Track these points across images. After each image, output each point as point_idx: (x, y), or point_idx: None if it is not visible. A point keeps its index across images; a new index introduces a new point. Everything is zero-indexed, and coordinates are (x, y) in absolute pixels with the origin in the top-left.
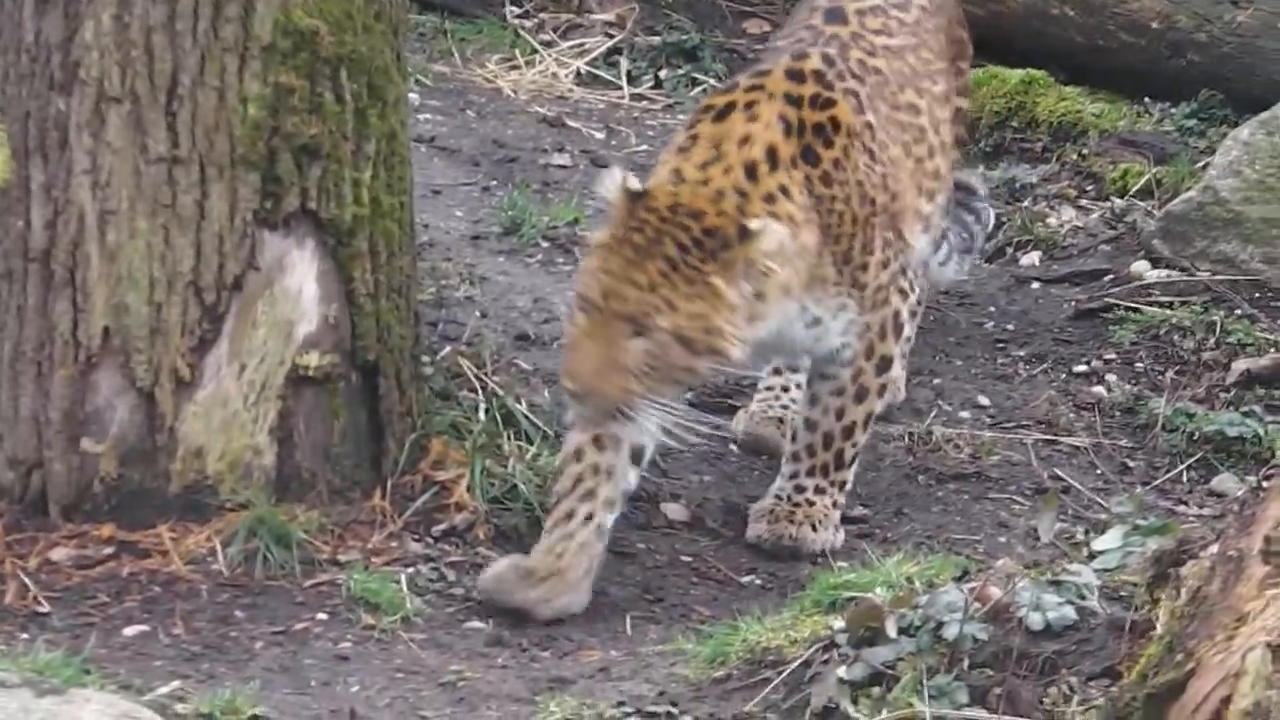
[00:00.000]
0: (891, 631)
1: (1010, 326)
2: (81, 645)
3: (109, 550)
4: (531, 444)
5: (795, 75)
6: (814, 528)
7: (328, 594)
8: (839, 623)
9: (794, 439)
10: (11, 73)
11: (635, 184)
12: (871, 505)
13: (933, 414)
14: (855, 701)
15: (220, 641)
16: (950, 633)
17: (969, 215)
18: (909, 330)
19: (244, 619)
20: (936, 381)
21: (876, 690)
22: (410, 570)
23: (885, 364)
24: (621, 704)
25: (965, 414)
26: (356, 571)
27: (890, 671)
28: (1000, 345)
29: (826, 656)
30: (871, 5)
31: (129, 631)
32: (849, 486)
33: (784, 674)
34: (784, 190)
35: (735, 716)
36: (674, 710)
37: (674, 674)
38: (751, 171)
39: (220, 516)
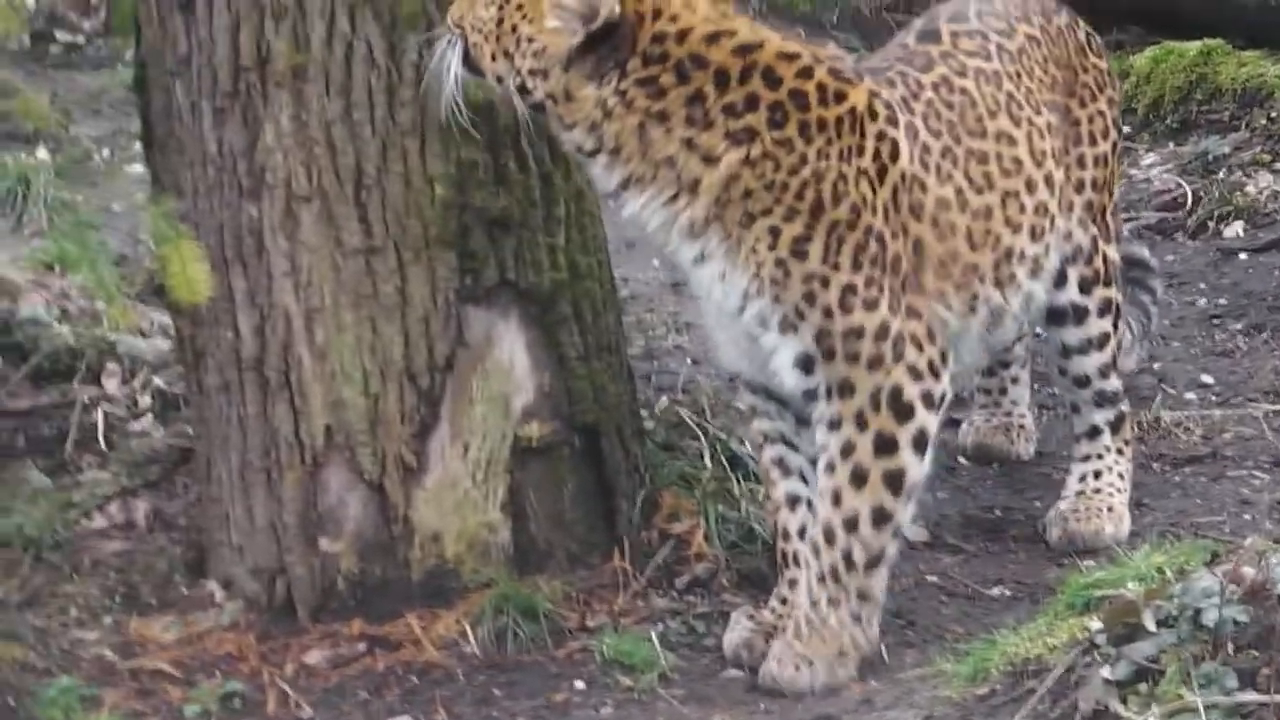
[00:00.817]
0: (1150, 625)
1: (1223, 301)
2: None
3: (361, 647)
4: (761, 484)
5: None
6: (823, 659)
7: (582, 661)
8: (1096, 623)
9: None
10: (200, 186)
11: None
12: None
13: (1158, 399)
14: (1124, 701)
15: None
16: (1210, 619)
17: (1145, 295)
18: (931, 424)
19: (502, 697)
20: (1157, 366)
21: (1143, 687)
22: (660, 627)
23: (887, 445)
24: None
25: (1191, 395)
26: (607, 635)
27: (1154, 666)
28: (1216, 321)
29: (1088, 659)
30: (970, 29)
31: None
32: (879, 596)
33: (1047, 682)
34: (720, 74)
35: None
36: None
37: (937, 696)
38: (713, 38)
39: (465, 598)
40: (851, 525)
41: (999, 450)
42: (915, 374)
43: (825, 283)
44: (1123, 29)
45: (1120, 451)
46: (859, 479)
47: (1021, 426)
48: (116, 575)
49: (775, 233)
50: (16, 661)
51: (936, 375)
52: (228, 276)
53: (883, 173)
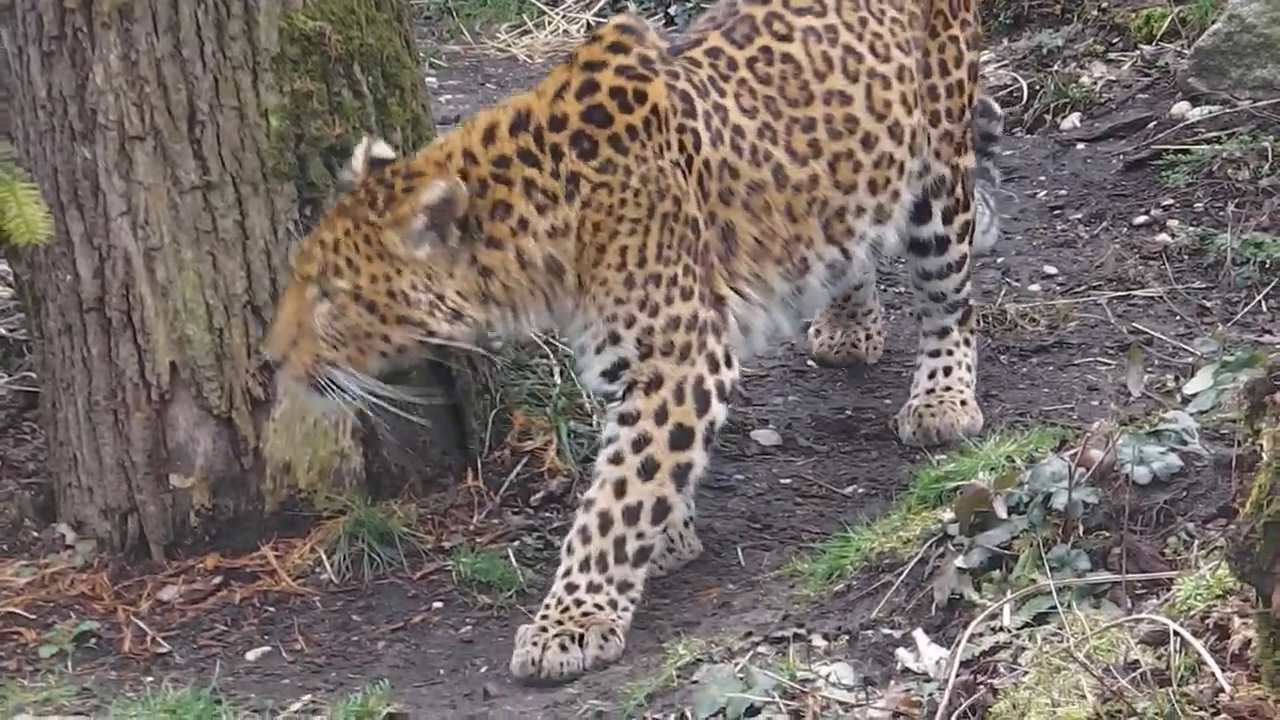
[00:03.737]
0: (1001, 512)
1: (1063, 192)
2: (208, 677)
3: (217, 580)
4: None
5: (617, 47)
6: (563, 648)
7: (440, 582)
8: (948, 514)
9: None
10: (31, 130)
11: (383, 151)
12: None
13: (1003, 292)
14: (978, 588)
15: (343, 649)
16: (1060, 502)
17: (988, 161)
18: (721, 416)
19: (362, 622)
20: (1000, 260)
21: (997, 573)
22: (516, 544)
23: (684, 437)
24: (748, 634)
25: (1035, 286)
26: (464, 555)
27: (1007, 552)
28: (1057, 212)
29: (942, 550)
30: None
31: (251, 655)
32: (636, 593)
33: (903, 575)
34: (525, 155)
35: (862, 625)
36: (800, 631)
37: (794, 595)
38: (490, 135)
39: (320, 527)
40: (632, 516)
41: (846, 361)
42: (713, 364)
43: (658, 280)
44: None
45: (967, 343)
46: (649, 470)
47: (868, 335)
48: None
49: (624, 251)
50: None
51: (730, 364)
52: (64, 220)
53: (689, 163)
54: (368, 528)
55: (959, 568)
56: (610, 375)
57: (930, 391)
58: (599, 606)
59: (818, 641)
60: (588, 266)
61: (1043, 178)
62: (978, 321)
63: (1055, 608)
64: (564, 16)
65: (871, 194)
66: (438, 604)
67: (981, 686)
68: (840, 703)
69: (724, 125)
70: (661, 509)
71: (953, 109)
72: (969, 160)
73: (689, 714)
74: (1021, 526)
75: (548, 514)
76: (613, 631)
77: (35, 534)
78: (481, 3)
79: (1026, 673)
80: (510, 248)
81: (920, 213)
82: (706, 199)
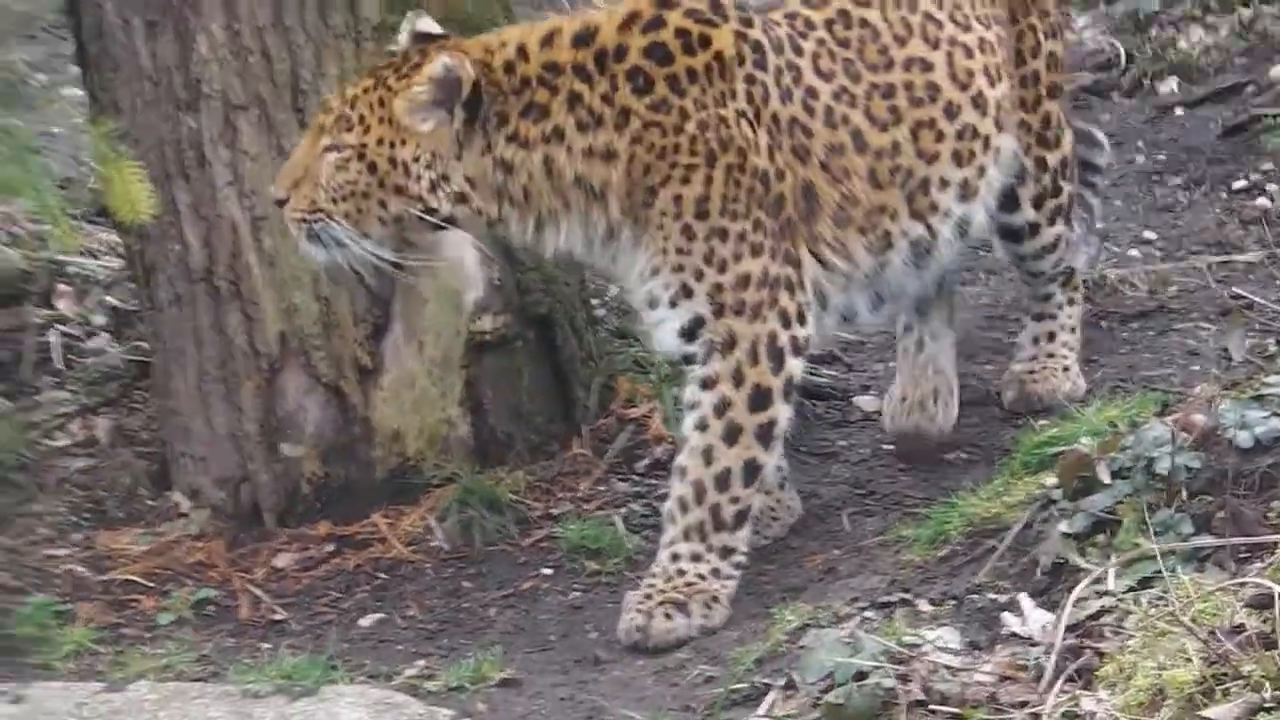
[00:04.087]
0: (1105, 477)
1: (1161, 157)
2: (323, 644)
3: (330, 548)
4: None
5: None
6: (668, 616)
7: (548, 549)
8: (1051, 479)
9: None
10: (138, 102)
11: (429, 26)
12: None
13: (1103, 258)
14: (1083, 553)
15: (455, 615)
16: (1163, 467)
17: (1087, 190)
18: (798, 371)
19: (473, 589)
20: (1100, 225)
21: (1101, 538)
22: (623, 511)
23: (762, 398)
24: (855, 600)
25: (1134, 252)
26: (571, 522)
27: (1111, 517)
28: (1155, 177)
29: (1045, 515)
30: None
31: (365, 622)
32: (741, 556)
33: (1007, 540)
34: (579, 70)
35: (967, 590)
36: (906, 596)
37: (899, 561)
38: (549, 39)
39: (429, 494)
40: (723, 482)
41: (916, 432)
42: (785, 320)
43: (724, 235)
44: None
45: (1071, 303)
46: (732, 435)
47: (938, 391)
48: (82, 492)
49: (678, 200)
50: None
51: (803, 321)
52: (171, 190)
53: (758, 115)
54: (477, 495)
55: (1063, 532)
56: (688, 334)
57: (1034, 357)
58: (701, 576)
59: (923, 606)
60: (639, 205)
61: (1140, 143)
62: (1080, 283)
63: (1160, 572)
64: None
65: (957, 166)
66: (547, 570)
67: (1087, 650)
68: (947, 667)
69: (795, 84)
70: (751, 470)
71: (1027, 99)
72: (1055, 155)
73: (797, 678)
74: (1125, 491)
75: (653, 480)
76: (716, 599)
77: (150, 502)
78: None
79: (1132, 636)
80: (539, 151)
81: (1007, 202)
82: (780, 151)
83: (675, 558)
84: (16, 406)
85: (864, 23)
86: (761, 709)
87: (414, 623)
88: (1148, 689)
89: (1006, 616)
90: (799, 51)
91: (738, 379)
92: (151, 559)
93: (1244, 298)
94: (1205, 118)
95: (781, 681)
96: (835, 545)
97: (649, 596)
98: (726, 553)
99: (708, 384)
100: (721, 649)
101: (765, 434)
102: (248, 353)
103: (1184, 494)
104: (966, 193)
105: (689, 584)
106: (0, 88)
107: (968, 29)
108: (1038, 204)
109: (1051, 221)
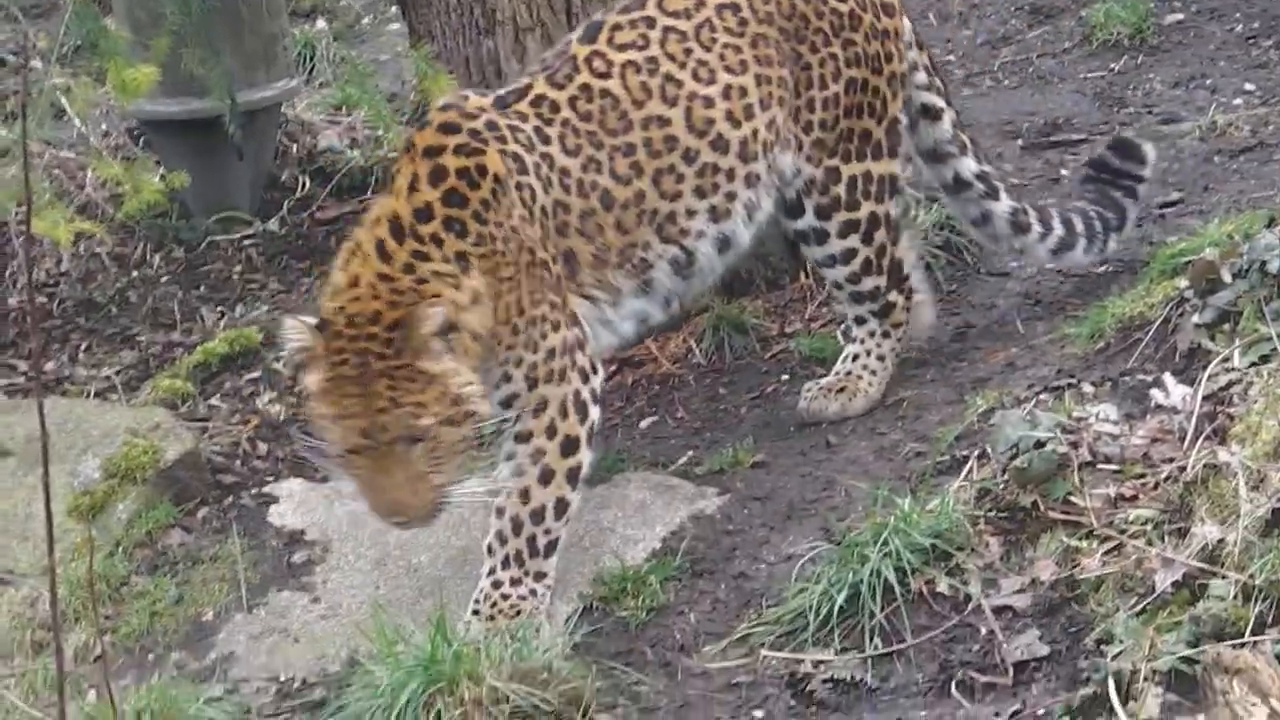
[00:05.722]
0: (1227, 278)
1: (1256, 24)
2: (612, 442)
3: (613, 368)
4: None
5: (448, 127)
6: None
7: (784, 360)
8: (1184, 282)
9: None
10: (447, 29)
11: (312, 321)
12: (1182, 189)
13: (1213, 107)
14: (1213, 339)
15: (714, 415)
16: (1274, 267)
17: (1126, 196)
18: (598, 416)
19: (727, 394)
20: (1209, 81)
21: (1226, 326)
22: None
23: (572, 445)
24: (1031, 386)
25: (1238, 101)
26: (802, 338)
27: (1234, 309)
28: (1251, 40)
29: (1181, 310)
30: (635, 18)
31: (644, 424)
32: (550, 580)
33: (1150, 332)
34: (418, 254)
35: (1121, 373)
36: (1072, 381)
37: (1065, 354)
38: (382, 250)
39: (689, 322)
40: (538, 517)
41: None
42: (585, 376)
43: (534, 322)
44: None
45: (887, 336)
46: (546, 478)
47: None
48: None
49: (508, 307)
50: None
51: (596, 371)
52: None
53: (531, 213)
54: (726, 320)
55: (1196, 323)
56: (505, 404)
57: (839, 374)
58: (522, 597)
59: (1086, 388)
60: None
61: (1238, 14)
62: (1195, 131)
63: (1275, 350)
64: None
65: (700, 198)
66: (784, 377)
67: (1220, 415)
68: (1108, 434)
69: (551, 171)
70: (562, 507)
71: (826, 120)
72: (854, 168)
73: (989, 449)
74: (1244, 288)
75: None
76: (531, 615)
77: None
78: None
79: (1256, 402)
80: (464, 329)
81: (792, 209)
82: (550, 237)
83: (497, 584)
84: None
85: (604, 93)
86: (961, 476)
87: (682, 423)
88: (1271, 442)
89: (1154, 392)
90: (547, 140)
91: (550, 432)
92: None
93: None
94: None
95: (976, 453)
96: (1012, 344)
97: (476, 613)
98: (539, 577)
99: (522, 438)
100: (927, 430)
101: (573, 476)
102: None
103: None
104: (717, 215)
105: (511, 604)
106: (339, 28)
107: (711, 82)
108: (823, 214)
109: (843, 235)
